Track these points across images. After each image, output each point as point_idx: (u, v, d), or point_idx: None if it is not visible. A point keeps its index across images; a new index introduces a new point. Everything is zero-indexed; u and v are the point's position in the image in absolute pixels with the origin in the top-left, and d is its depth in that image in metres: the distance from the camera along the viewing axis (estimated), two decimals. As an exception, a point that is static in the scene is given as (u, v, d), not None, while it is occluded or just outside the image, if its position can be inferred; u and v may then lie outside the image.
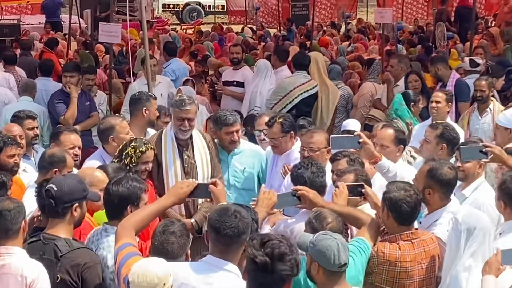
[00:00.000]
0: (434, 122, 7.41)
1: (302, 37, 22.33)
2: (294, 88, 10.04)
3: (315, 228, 4.80)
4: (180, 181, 5.48)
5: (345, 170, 5.83)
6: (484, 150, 5.95)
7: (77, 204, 4.89)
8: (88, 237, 5.13)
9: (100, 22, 11.87)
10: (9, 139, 6.52)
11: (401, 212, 5.04)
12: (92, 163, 6.65)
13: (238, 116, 7.28)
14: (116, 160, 6.32)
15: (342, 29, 25.48)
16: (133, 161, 6.30)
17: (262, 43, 20.54)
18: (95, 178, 5.57)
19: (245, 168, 7.22)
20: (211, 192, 4.99)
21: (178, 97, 6.85)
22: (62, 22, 22.86)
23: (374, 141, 6.76)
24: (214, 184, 5.03)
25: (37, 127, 7.61)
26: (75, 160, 6.61)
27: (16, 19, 23.11)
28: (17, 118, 7.62)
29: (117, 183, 5.07)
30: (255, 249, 3.82)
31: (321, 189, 5.53)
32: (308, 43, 18.92)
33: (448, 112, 8.30)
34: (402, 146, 6.73)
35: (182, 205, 6.69)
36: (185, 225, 4.74)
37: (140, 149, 6.34)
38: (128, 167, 6.24)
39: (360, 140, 5.99)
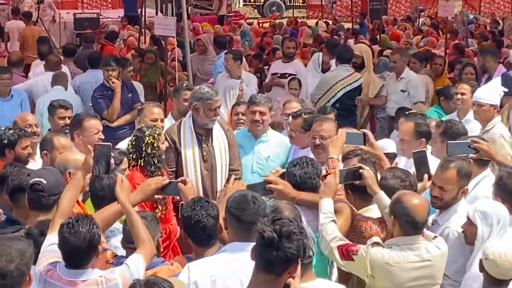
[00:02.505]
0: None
1: (375, 31, 22.26)
2: (336, 83, 10.20)
3: None
4: (150, 178, 5.53)
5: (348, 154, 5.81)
6: (472, 146, 5.94)
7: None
8: None
9: (156, 16, 12.15)
10: (22, 132, 6.67)
11: None
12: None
13: (270, 101, 7.48)
14: (134, 156, 6.39)
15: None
16: (155, 147, 6.44)
17: (335, 37, 20.55)
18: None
19: (269, 156, 7.37)
20: (180, 190, 5.08)
21: (200, 89, 6.97)
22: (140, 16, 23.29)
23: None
24: (184, 182, 5.13)
25: (69, 117, 7.73)
26: None
27: (96, 13, 23.73)
28: (52, 106, 7.90)
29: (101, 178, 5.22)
30: (265, 225, 3.75)
31: (311, 190, 5.38)
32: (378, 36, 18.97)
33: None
34: (424, 139, 6.47)
35: (201, 194, 6.83)
36: (156, 215, 4.88)
37: (157, 132, 6.52)
38: (152, 155, 6.40)
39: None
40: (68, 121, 7.66)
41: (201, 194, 6.86)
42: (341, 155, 5.57)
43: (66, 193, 4.77)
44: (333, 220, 4.98)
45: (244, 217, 4.39)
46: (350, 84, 10.23)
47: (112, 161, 4.86)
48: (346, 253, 4.85)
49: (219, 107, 7.00)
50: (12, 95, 9.99)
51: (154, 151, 6.44)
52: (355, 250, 4.82)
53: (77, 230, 4.21)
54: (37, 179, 4.95)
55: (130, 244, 4.69)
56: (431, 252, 4.79)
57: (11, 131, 6.59)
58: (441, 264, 4.87)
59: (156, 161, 6.43)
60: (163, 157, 6.66)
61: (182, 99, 8.05)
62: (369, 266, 4.76)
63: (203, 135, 6.99)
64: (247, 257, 4.01)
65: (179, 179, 5.33)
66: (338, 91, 10.14)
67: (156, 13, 17.40)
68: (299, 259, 3.76)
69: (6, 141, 6.51)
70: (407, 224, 4.74)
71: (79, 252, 4.23)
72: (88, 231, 4.22)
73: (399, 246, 4.77)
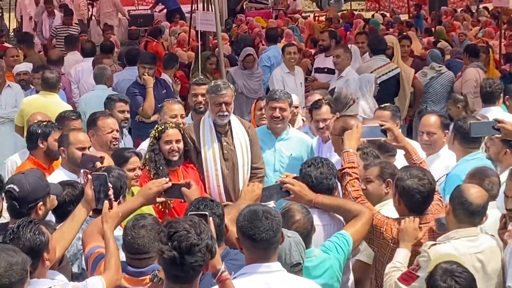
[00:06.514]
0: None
1: (432, 22, 21.80)
2: (371, 72, 10.11)
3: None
4: (152, 180, 5.30)
5: (370, 164, 5.68)
6: (496, 126, 5.57)
7: (41, 203, 4.75)
8: None
9: (196, 10, 12.03)
10: (56, 124, 6.77)
11: (413, 201, 5.01)
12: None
13: (291, 96, 7.30)
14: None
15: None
16: (153, 142, 6.45)
17: (391, 29, 20.17)
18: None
19: (291, 154, 7.20)
20: (183, 193, 4.91)
21: (214, 82, 6.83)
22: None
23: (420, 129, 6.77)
24: (188, 185, 4.95)
25: (128, 111, 7.78)
26: (114, 144, 6.76)
27: (150, 9, 23.74)
28: (110, 100, 7.86)
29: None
30: (162, 243, 3.61)
31: (327, 192, 5.19)
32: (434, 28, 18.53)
33: None
34: (447, 131, 6.66)
35: (223, 193, 6.72)
36: (157, 219, 4.65)
37: (160, 127, 6.41)
38: (153, 149, 6.43)
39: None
40: (127, 115, 7.81)
41: (223, 194, 6.75)
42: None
43: (62, 227, 4.58)
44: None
45: (258, 235, 4.03)
46: (386, 73, 10.23)
47: (110, 191, 4.65)
48: (408, 276, 4.69)
49: (226, 103, 6.64)
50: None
51: (152, 145, 6.50)
52: (415, 267, 4.69)
53: (19, 236, 4.00)
54: (11, 185, 4.74)
55: (130, 254, 4.52)
56: (490, 243, 4.77)
57: (44, 123, 6.70)
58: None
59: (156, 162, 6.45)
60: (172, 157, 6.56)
61: (191, 94, 7.82)
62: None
63: (223, 133, 6.79)
64: (269, 278, 3.98)
65: (183, 181, 5.17)
66: None
67: (203, 9, 17.26)
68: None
69: (40, 131, 6.56)
70: (460, 206, 4.70)
71: None
72: (31, 237, 4.00)
73: (458, 239, 4.70)
